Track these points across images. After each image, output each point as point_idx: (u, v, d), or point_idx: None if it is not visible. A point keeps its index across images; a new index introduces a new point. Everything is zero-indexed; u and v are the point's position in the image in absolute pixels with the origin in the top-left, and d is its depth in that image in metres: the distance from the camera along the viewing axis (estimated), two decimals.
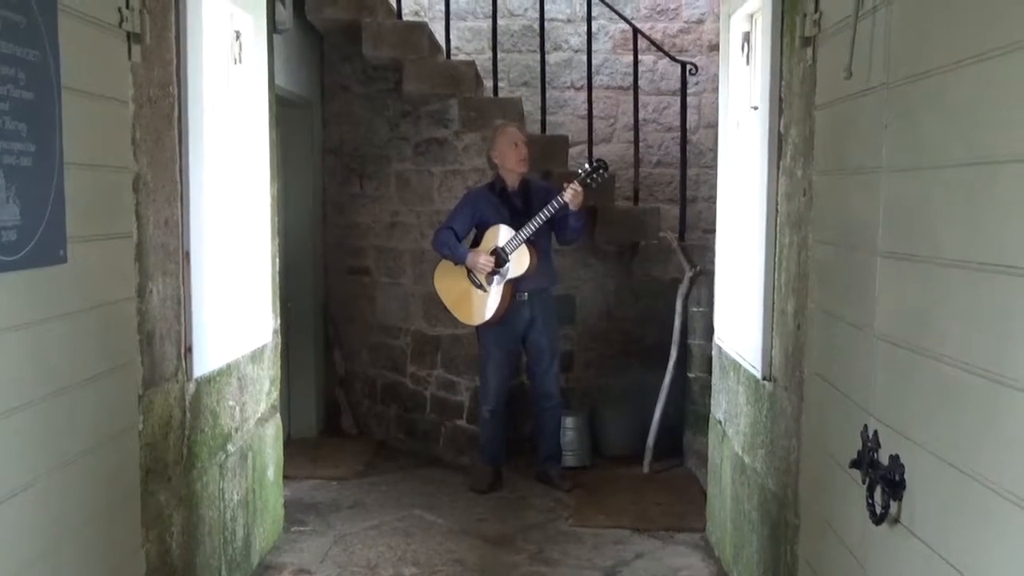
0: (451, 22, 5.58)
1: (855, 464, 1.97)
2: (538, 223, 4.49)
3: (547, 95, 5.60)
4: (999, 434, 1.46)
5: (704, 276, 4.82)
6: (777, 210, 2.93)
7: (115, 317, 2.41)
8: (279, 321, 3.96)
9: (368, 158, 5.58)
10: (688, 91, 5.52)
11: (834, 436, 2.28)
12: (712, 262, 4.18)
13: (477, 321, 4.67)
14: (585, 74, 5.57)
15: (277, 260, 3.92)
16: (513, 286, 4.60)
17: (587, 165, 4.58)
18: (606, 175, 4.63)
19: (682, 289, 4.96)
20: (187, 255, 2.84)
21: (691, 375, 4.99)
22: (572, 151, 5.63)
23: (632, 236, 5.26)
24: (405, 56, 5.17)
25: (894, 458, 1.84)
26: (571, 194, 4.41)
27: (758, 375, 3.05)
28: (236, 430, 3.38)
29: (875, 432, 1.94)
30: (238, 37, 3.50)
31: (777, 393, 2.89)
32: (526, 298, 4.66)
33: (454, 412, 5.28)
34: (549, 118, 5.66)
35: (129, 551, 2.50)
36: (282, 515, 4.09)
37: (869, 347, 2.03)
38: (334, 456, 5.25)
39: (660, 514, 4.37)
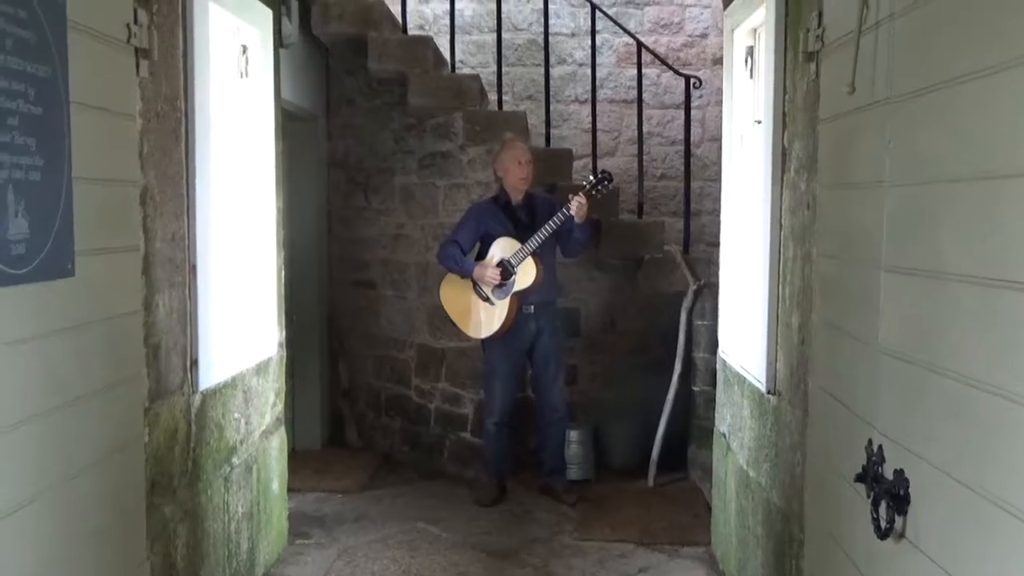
0: (456, 36, 5.63)
1: (860, 478, 1.97)
2: (544, 235, 4.49)
3: (551, 108, 5.62)
4: (1004, 449, 1.46)
5: (708, 289, 4.83)
6: (781, 223, 2.93)
7: (122, 330, 2.43)
8: (284, 334, 3.97)
9: (373, 171, 5.60)
10: (692, 104, 5.55)
11: (839, 450, 2.27)
12: (716, 275, 4.18)
13: (484, 334, 4.67)
14: (589, 88, 5.60)
15: (282, 273, 3.94)
16: (519, 299, 4.61)
17: (592, 177, 4.60)
18: (611, 186, 4.64)
19: (686, 302, 4.96)
20: (193, 268, 2.86)
21: (695, 388, 4.99)
22: (576, 164, 5.65)
23: (636, 249, 5.26)
24: (410, 70, 5.19)
25: (899, 472, 1.83)
26: (577, 205, 4.41)
27: (763, 388, 3.05)
28: (241, 443, 3.39)
29: (880, 446, 1.94)
30: (244, 51, 3.52)
31: (782, 407, 2.89)
32: (532, 310, 4.66)
33: (458, 425, 5.28)
34: (553, 131, 5.69)
35: (134, 564, 2.51)
36: (286, 528, 4.09)
37: (874, 361, 2.03)
38: (338, 468, 5.24)
39: (665, 528, 4.36)
